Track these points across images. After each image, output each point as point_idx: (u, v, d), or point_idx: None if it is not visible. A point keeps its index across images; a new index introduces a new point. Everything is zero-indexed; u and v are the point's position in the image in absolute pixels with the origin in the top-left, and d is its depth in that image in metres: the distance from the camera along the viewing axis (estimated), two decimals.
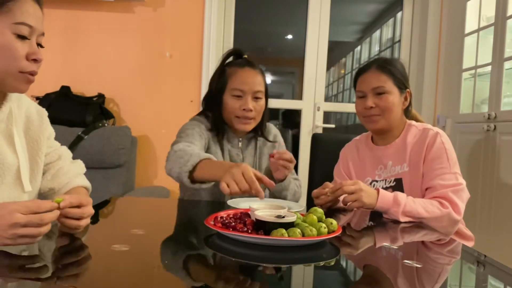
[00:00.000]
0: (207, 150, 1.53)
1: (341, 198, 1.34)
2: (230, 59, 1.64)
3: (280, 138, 1.73)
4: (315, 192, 1.38)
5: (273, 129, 1.71)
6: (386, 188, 1.45)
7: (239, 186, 1.03)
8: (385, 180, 1.49)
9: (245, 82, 1.49)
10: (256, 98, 1.51)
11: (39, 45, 1.01)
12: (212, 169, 1.19)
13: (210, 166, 1.21)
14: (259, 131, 1.62)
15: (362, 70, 1.53)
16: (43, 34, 1.01)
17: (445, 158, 1.39)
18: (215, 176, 1.16)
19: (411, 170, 1.44)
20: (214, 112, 1.55)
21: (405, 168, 1.45)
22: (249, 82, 1.50)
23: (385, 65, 1.49)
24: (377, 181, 1.51)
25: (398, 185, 1.45)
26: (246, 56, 1.60)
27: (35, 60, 0.98)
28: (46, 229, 0.77)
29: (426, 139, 1.43)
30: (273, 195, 1.55)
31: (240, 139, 1.61)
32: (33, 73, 0.99)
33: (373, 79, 1.48)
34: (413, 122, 1.52)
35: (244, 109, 1.48)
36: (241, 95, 1.49)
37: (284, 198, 1.53)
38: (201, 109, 1.67)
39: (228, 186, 1.05)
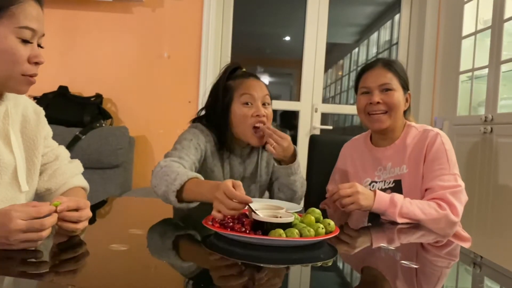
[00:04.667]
0: (204, 161, 1.47)
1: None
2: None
3: None
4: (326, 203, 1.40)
5: None
6: (385, 189, 1.45)
7: (228, 208, 0.97)
8: (384, 181, 1.48)
9: (253, 88, 1.44)
10: (264, 105, 1.45)
11: (39, 45, 1.01)
12: (200, 189, 1.15)
13: (198, 186, 1.17)
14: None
15: (368, 67, 1.53)
16: (43, 35, 1.01)
17: (445, 159, 1.39)
18: (203, 196, 1.13)
19: (411, 171, 1.43)
20: (219, 128, 1.47)
21: (404, 170, 1.45)
22: (257, 89, 1.44)
23: (391, 63, 1.50)
24: (376, 182, 1.50)
25: (397, 187, 1.45)
26: (244, 69, 1.55)
27: (36, 63, 0.99)
28: (47, 233, 0.78)
29: (426, 140, 1.43)
30: (282, 181, 1.49)
31: (243, 148, 1.54)
32: (34, 75, 1.00)
33: (380, 76, 1.47)
34: (413, 124, 1.52)
35: (257, 115, 1.42)
36: (251, 101, 1.43)
37: (293, 184, 1.49)
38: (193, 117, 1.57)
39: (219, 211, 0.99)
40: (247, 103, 1.43)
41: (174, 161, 1.30)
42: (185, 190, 1.18)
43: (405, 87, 1.50)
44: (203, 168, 1.46)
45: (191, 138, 1.43)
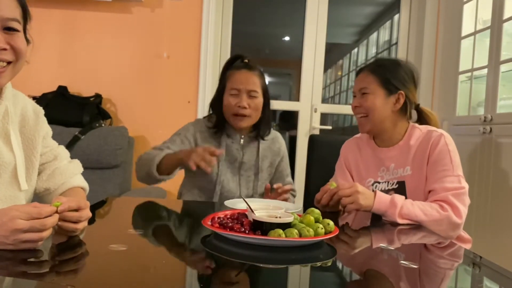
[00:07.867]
0: (196, 146, 1.67)
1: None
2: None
3: (284, 150, 1.80)
4: (317, 196, 1.39)
5: (279, 139, 1.79)
6: (388, 190, 1.44)
7: (199, 159, 1.39)
8: (388, 182, 1.47)
9: (240, 82, 1.63)
10: (251, 97, 1.64)
11: (12, 29, 0.95)
12: (177, 155, 1.51)
13: (174, 154, 1.53)
14: (259, 130, 1.72)
15: (358, 71, 1.55)
16: (12, 19, 0.95)
17: (448, 160, 1.37)
18: (178, 159, 1.49)
19: (414, 173, 1.42)
20: (217, 112, 1.70)
21: (408, 172, 1.44)
22: (244, 82, 1.63)
23: (376, 66, 1.49)
24: (379, 182, 1.49)
25: (400, 188, 1.44)
26: (246, 60, 1.71)
27: None
28: (47, 233, 0.78)
29: (429, 141, 1.41)
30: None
31: (242, 136, 1.71)
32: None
33: (360, 80, 1.51)
34: (416, 125, 1.51)
35: (239, 106, 1.62)
36: (237, 93, 1.63)
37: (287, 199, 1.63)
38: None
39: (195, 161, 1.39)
40: (234, 95, 1.64)
41: (154, 149, 1.62)
42: (163, 164, 1.52)
43: (392, 88, 1.46)
44: None
45: (180, 132, 1.69)
